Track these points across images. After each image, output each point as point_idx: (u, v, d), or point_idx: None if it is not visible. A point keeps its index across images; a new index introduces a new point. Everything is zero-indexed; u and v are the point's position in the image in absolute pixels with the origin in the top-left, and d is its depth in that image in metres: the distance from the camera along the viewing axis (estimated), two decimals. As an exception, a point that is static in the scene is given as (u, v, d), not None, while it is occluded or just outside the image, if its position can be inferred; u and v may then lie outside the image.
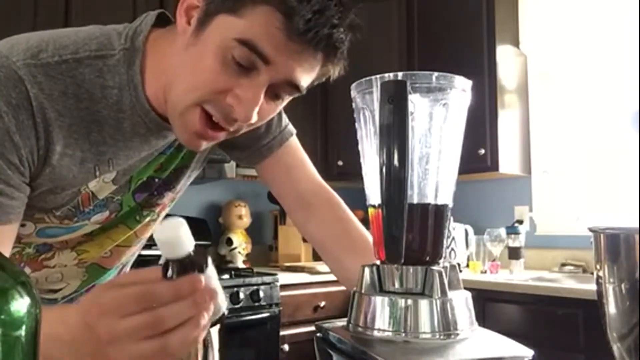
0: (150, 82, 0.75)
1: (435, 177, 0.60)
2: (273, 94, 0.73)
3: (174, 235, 0.53)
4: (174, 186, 0.92)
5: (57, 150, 0.72)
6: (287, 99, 0.77)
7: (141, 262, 1.05)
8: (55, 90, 0.70)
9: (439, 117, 0.59)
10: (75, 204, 0.79)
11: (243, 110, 0.70)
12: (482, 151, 2.72)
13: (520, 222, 2.88)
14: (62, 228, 0.81)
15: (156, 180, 0.87)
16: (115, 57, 0.74)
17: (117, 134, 0.76)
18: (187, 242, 0.53)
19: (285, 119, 0.98)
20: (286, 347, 2.44)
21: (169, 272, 0.54)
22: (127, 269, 1.04)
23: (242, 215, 2.92)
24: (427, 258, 0.59)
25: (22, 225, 0.77)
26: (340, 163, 3.08)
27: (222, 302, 0.57)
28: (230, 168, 2.70)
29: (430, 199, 0.59)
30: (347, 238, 0.92)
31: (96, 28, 0.77)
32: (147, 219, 0.92)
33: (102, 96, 0.73)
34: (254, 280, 2.38)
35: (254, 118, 0.72)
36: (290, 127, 0.98)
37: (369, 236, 0.85)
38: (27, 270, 0.86)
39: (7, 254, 0.51)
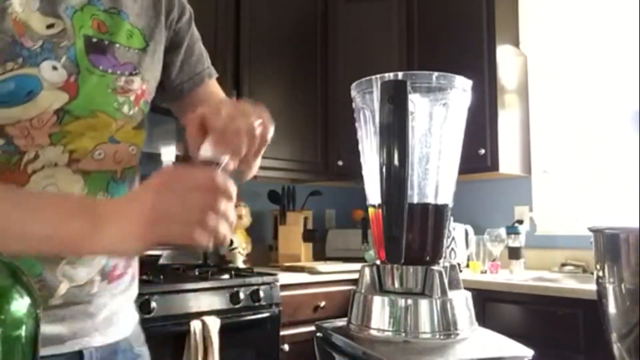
0: None
1: (435, 177, 0.60)
2: None
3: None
4: (138, 70, 0.87)
5: None
6: None
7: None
8: None
9: (439, 117, 0.59)
10: (9, 31, 0.73)
11: None
12: (482, 151, 2.72)
13: (520, 222, 2.88)
14: (11, 80, 0.73)
15: (106, 43, 0.82)
16: None
17: None
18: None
19: (204, 62, 1.00)
20: (286, 347, 2.44)
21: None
22: None
23: (242, 215, 2.92)
24: (427, 258, 0.59)
25: None
26: (340, 163, 3.07)
27: None
28: (230, 168, 2.70)
29: (430, 199, 0.59)
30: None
31: None
32: (126, 108, 0.86)
33: None
34: (254, 280, 2.38)
35: None
36: (210, 71, 1.01)
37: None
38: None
39: None
